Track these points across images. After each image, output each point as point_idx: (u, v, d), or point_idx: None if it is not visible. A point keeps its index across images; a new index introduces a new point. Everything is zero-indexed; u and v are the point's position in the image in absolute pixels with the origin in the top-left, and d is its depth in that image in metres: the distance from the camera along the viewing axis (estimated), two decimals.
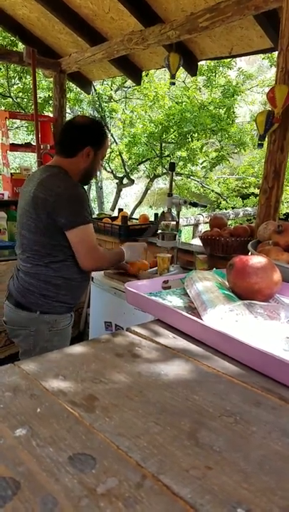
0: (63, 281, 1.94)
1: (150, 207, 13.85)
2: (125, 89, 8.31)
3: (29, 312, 1.95)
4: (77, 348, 0.86)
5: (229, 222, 5.24)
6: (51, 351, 0.83)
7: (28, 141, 5.29)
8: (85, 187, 2.17)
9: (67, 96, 5.17)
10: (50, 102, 5.86)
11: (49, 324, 1.97)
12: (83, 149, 1.93)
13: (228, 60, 6.69)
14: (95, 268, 2.03)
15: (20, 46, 4.91)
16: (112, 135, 8.19)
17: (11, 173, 3.80)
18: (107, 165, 8.24)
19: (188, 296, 1.11)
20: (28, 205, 1.88)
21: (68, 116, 5.37)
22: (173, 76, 3.16)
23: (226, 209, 8.98)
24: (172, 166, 2.69)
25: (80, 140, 1.94)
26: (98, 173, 2.18)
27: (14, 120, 7.14)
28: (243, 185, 9.50)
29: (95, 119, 2.16)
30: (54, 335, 1.99)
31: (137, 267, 2.46)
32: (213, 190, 9.33)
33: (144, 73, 4.14)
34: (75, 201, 1.85)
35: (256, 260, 1.06)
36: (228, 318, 0.91)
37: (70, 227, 1.84)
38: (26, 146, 4.07)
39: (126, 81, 7.64)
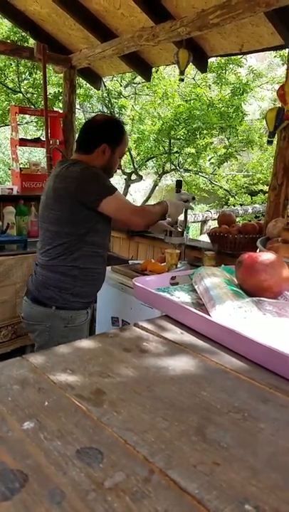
0: (79, 271, 1.96)
1: None
2: (135, 85, 8.29)
3: (45, 307, 1.98)
4: (85, 343, 0.86)
5: (237, 219, 5.21)
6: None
7: (38, 136, 5.30)
8: None
9: (77, 92, 5.16)
10: (60, 97, 5.84)
11: (65, 320, 1.99)
12: (99, 146, 1.97)
13: (239, 57, 6.65)
14: (147, 223, 2.07)
15: (31, 42, 4.91)
16: None
17: (20, 168, 3.81)
18: None
19: (196, 293, 1.11)
20: (49, 199, 1.94)
21: (78, 112, 5.36)
22: (182, 72, 3.15)
23: (234, 206, 8.95)
24: (179, 184, 2.58)
25: (97, 137, 1.99)
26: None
27: (24, 115, 7.15)
28: (252, 182, 9.45)
29: (113, 118, 2.25)
30: (69, 331, 2.00)
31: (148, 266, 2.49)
32: (221, 187, 9.29)
33: (153, 69, 4.12)
34: (94, 178, 1.89)
35: (265, 257, 1.05)
36: (236, 315, 0.90)
37: (100, 200, 1.87)
38: (36, 141, 4.07)
39: (135, 77, 7.62)
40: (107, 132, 2.00)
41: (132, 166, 8.41)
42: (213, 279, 1.08)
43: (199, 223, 7.51)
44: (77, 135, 2.27)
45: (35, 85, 7.25)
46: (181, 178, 7.33)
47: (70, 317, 1.99)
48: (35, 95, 7.47)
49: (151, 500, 0.46)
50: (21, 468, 0.49)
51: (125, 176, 8.64)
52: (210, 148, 7.99)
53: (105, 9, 3.20)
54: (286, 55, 3.01)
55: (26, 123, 8.72)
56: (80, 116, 8.35)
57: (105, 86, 7.46)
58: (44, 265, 1.99)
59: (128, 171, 8.59)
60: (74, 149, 2.18)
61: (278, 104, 2.35)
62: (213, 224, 6.79)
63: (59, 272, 1.95)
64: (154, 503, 0.45)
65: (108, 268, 2.58)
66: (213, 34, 3.02)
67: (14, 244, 3.15)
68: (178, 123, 7.31)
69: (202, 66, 3.49)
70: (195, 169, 8.73)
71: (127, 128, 8.43)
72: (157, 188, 9.89)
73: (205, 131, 7.28)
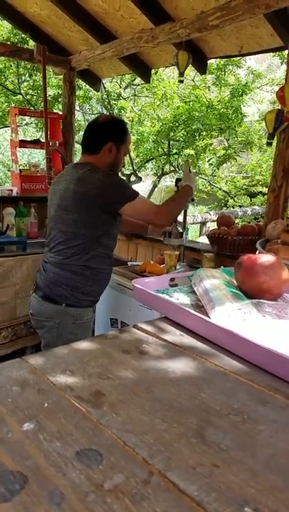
0: (91, 271, 2.04)
1: None
2: (134, 86, 8.30)
3: (55, 305, 2.04)
4: (84, 344, 0.86)
5: (237, 221, 5.21)
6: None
7: (37, 137, 5.30)
8: None
9: (77, 93, 5.16)
10: (60, 99, 5.86)
11: (73, 317, 2.05)
12: (106, 145, 2.04)
13: (238, 58, 6.66)
14: (171, 220, 2.22)
15: (31, 43, 4.92)
16: None
17: (20, 170, 3.81)
18: None
19: (196, 294, 1.11)
20: (66, 200, 1.99)
21: (77, 114, 5.36)
22: (181, 74, 3.15)
23: (233, 207, 8.95)
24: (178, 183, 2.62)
25: (102, 136, 2.05)
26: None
27: (24, 117, 7.15)
28: (251, 184, 9.45)
29: (115, 117, 2.30)
30: (77, 328, 2.07)
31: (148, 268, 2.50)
32: (220, 189, 9.30)
33: (153, 71, 4.12)
34: (116, 185, 1.98)
35: (265, 259, 1.05)
36: (235, 317, 0.90)
37: (122, 205, 1.95)
38: (35, 143, 4.07)
39: (135, 79, 7.63)
40: (111, 131, 2.07)
41: (131, 168, 8.42)
42: (213, 280, 1.08)
43: (198, 225, 7.49)
44: (76, 137, 2.30)
45: (35, 87, 7.26)
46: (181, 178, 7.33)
47: (79, 314, 2.06)
48: (34, 97, 7.48)
49: (151, 502, 0.45)
50: (21, 470, 0.49)
51: (124, 178, 8.64)
52: (209, 150, 8.00)
53: (105, 11, 3.21)
54: (285, 55, 3.02)
55: (26, 124, 8.74)
56: (80, 118, 8.37)
57: (105, 88, 7.47)
58: (56, 263, 2.04)
59: (127, 172, 8.60)
60: (72, 151, 2.19)
61: (277, 106, 2.36)
62: (212, 225, 6.78)
63: (71, 271, 2.01)
64: (153, 504, 0.45)
65: None
66: (213, 36, 3.02)
67: (14, 246, 3.14)
68: (177, 124, 7.32)
69: (201, 68, 3.50)
70: (194, 170, 8.74)
71: None
72: (156, 189, 9.91)
73: (204, 133, 7.30)
